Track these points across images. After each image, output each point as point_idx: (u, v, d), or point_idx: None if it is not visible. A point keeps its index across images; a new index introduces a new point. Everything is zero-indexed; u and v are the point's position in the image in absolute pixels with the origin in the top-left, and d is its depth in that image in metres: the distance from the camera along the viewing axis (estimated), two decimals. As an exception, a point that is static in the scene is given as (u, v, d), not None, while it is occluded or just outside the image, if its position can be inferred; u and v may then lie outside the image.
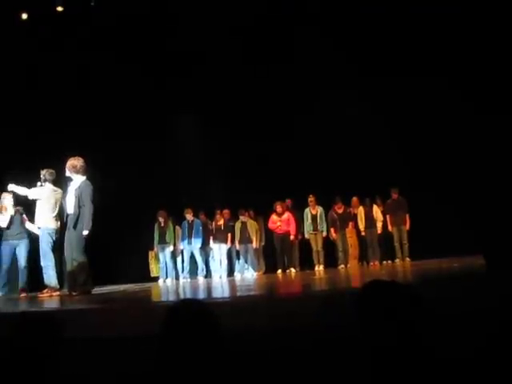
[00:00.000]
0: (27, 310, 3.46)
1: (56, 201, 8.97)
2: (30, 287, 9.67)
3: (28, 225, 9.52)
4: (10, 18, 11.57)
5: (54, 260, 8.81)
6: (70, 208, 8.28)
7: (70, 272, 8.28)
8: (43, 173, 9.00)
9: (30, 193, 8.95)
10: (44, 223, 8.84)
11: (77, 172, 8.40)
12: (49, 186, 9.00)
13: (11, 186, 9.06)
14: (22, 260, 9.45)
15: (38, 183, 9.00)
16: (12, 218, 9.49)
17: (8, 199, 9.50)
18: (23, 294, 9.23)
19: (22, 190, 9.00)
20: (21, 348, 2.42)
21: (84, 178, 8.44)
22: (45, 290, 8.76)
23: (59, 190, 9.04)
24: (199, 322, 2.04)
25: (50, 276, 8.76)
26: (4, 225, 9.46)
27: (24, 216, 9.57)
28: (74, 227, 8.17)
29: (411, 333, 1.96)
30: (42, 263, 8.77)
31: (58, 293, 8.69)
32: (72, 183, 8.44)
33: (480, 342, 2.04)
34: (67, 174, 8.50)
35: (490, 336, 2.04)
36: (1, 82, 11.37)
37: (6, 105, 11.46)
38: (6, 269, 9.48)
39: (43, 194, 8.91)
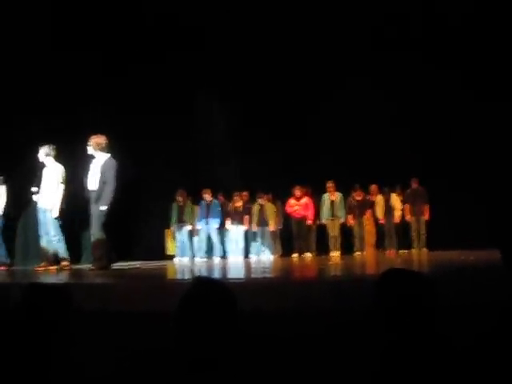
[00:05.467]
0: (36, 282, 3.51)
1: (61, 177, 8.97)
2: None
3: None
4: None
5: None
6: (93, 184, 8.34)
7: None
8: (46, 148, 8.94)
9: (54, 177, 8.90)
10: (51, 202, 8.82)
11: (101, 149, 8.47)
12: (55, 163, 8.98)
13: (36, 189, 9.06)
14: None
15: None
16: None
17: None
18: (2, 268, 9.39)
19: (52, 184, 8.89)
20: (29, 319, 2.45)
21: (109, 155, 8.51)
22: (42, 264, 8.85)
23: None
24: (216, 299, 2.05)
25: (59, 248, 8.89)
26: None
27: (1, 187, 9.63)
28: (96, 203, 8.25)
29: (426, 321, 1.98)
30: (51, 238, 8.83)
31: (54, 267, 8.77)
32: (95, 160, 8.50)
33: (491, 333, 2.05)
34: (90, 151, 8.54)
35: (500, 328, 2.05)
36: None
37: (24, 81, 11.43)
38: None
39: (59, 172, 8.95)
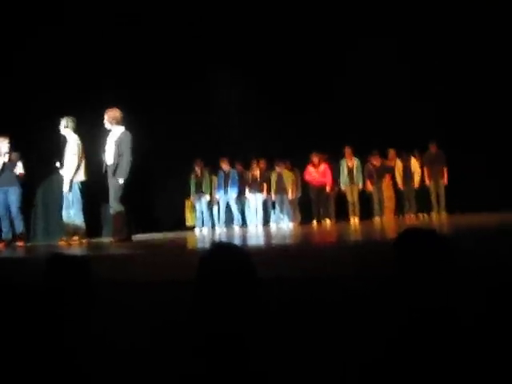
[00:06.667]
0: (58, 253, 3.55)
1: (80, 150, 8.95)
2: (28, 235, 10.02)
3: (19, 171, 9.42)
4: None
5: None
6: (110, 158, 8.40)
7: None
8: (65, 120, 8.95)
9: (73, 150, 8.90)
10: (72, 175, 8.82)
11: (117, 123, 8.51)
12: (74, 135, 8.98)
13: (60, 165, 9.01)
14: (14, 207, 9.39)
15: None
16: (4, 164, 9.35)
17: (3, 146, 9.40)
18: (21, 243, 9.25)
19: (70, 157, 8.89)
20: (53, 290, 2.47)
21: (123, 128, 8.54)
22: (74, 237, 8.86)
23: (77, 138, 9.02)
24: (235, 263, 2.05)
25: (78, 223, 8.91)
26: None
27: (18, 163, 9.44)
28: (114, 175, 8.32)
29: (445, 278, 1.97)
30: (72, 212, 8.84)
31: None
32: (111, 134, 8.54)
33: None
34: (107, 126, 8.58)
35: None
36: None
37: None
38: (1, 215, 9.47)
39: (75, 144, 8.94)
